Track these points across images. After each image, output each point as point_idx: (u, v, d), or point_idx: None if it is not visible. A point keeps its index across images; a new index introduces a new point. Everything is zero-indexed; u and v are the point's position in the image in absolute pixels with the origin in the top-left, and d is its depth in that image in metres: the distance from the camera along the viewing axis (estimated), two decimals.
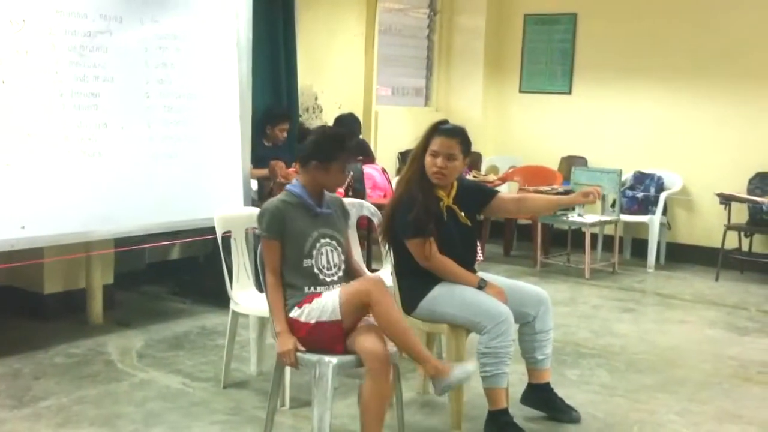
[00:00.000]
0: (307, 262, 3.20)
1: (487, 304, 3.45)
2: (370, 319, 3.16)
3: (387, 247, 3.69)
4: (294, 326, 3.15)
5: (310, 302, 3.14)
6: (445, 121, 3.70)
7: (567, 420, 3.72)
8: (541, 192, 7.08)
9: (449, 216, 3.61)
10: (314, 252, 3.21)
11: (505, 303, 3.48)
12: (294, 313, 3.15)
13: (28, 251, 4.44)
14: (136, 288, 5.84)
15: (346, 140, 3.39)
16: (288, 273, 3.20)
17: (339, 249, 3.29)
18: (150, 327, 5.01)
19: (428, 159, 3.56)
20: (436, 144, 3.55)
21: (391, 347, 3.10)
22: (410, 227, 3.49)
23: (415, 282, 3.58)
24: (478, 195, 3.78)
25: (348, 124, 6.39)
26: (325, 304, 3.10)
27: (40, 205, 4.30)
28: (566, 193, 7.05)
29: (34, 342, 4.60)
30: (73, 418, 3.60)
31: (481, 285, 3.53)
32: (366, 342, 3.04)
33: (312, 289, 3.20)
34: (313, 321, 3.11)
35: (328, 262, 3.25)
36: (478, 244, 3.93)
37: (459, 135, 3.60)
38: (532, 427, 3.58)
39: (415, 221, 3.46)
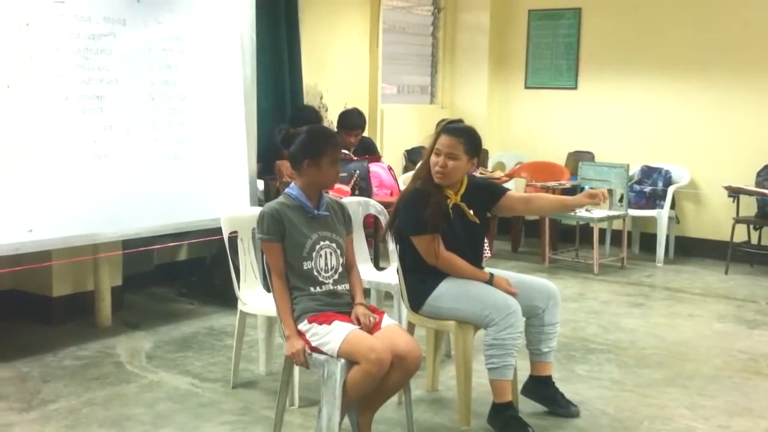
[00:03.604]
0: (307, 265, 3.20)
1: (495, 296, 3.45)
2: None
3: (394, 243, 3.70)
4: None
5: (320, 324, 3.12)
6: (458, 120, 3.73)
7: (565, 414, 3.71)
8: (548, 187, 7.08)
9: (455, 214, 3.59)
10: (314, 254, 3.21)
11: (514, 290, 3.49)
12: (302, 326, 3.16)
13: (35, 254, 4.46)
14: (145, 290, 5.84)
15: (332, 135, 3.43)
16: (289, 276, 3.21)
17: (338, 251, 3.28)
18: (158, 328, 5.02)
19: (432, 157, 3.57)
20: (440, 143, 3.56)
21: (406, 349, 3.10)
22: (418, 223, 3.48)
23: (421, 278, 3.57)
24: (488, 193, 3.76)
25: (350, 116, 6.38)
26: (328, 341, 3.08)
27: (47, 209, 4.31)
28: (573, 188, 7.05)
29: (42, 345, 4.61)
30: (82, 421, 3.61)
31: (491, 281, 3.53)
32: (377, 343, 3.04)
33: (317, 288, 3.20)
34: (313, 343, 3.13)
35: (326, 264, 3.24)
36: (486, 241, 3.92)
37: (463, 135, 3.58)
38: (539, 423, 3.56)
39: (424, 218, 3.45)
